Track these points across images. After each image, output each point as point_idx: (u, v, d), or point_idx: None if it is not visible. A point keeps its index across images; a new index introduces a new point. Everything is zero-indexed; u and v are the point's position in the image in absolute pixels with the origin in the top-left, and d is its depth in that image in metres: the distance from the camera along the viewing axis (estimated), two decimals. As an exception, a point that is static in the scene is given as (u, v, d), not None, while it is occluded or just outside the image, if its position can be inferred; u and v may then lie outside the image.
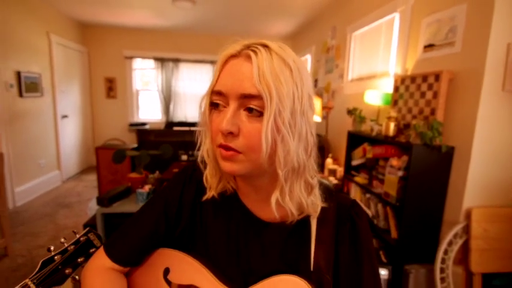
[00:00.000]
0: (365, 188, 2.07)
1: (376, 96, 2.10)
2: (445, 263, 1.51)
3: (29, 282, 0.55)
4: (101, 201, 1.44)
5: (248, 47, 0.45)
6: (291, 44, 5.02)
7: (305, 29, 4.28)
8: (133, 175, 1.75)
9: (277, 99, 0.42)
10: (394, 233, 1.73)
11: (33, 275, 0.57)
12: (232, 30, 4.46)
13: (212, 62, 4.93)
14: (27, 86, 3.12)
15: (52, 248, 0.63)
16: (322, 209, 0.54)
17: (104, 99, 4.87)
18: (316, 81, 3.78)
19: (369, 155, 2.04)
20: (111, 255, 0.57)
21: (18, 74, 3.00)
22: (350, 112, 2.37)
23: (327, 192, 0.57)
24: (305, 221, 0.54)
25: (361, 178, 2.18)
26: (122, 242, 0.58)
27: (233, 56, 0.45)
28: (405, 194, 1.58)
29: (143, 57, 4.87)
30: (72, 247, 0.65)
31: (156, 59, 4.80)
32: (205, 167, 0.55)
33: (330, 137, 3.23)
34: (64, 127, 3.99)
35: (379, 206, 1.91)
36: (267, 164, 0.45)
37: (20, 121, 3.07)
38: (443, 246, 1.50)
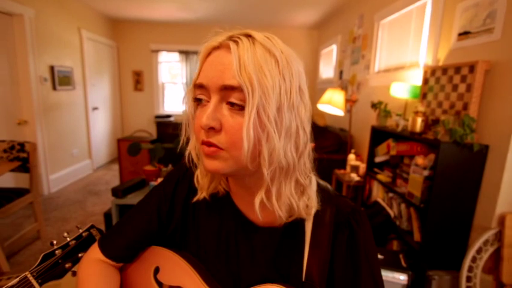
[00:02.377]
0: (388, 187, 1.96)
1: (403, 88, 1.96)
2: (473, 271, 1.39)
3: (29, 275, 0.57)
4: (115, 193, 1.50)
5: (231, 37, 0.42)
6: (316, 34, 4.86)
7: (331, 18, 4.10)
8: (148, 168, 1.78)
9: (260, 92, 0.39)
10: (417, 236, 1.63)
11: (33, 268, 0.59)
12: (256, 21, 4.39)
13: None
14: (60, 79, 3.30)
15: (55, 242, 0.65)
16: (319, 213, 0.50)
17: (131, 92, 5.05)
18: (341, 72, 3.63)
19: (393, 152, 1.93)
20: (104, 250, 0.58)
21: (52, 68, 3.17)
22: (374, 106, 2.25)
23: (326, 194, 0.53)
24: (299, 226, 0.51)
25: (384, 176, 2.07)
26: (115, 239, 0.59)
27: (215, 48, 0.43)
28: (431, 195, 1.47)
29: (169, 51, 4.95)
30: (73, 242, 0.66)
31: (181, 52, 4.86)
32: (196, 167, 0.53)
33: (353, 132, 3.10)
34: (95, 118, 4.19)
35: (402, 206, 1.81)
36: (250, 162, 0.42)
37: (54, 113, 3.27)
38: (471, 253, 1.39)
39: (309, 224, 0.50)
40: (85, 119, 3.94)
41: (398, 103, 2.18)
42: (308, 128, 0.45)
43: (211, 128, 0.41)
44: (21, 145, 2.07)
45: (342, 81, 3.56)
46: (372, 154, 2.25)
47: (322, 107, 2.71)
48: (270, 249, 0.51)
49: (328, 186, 0.56)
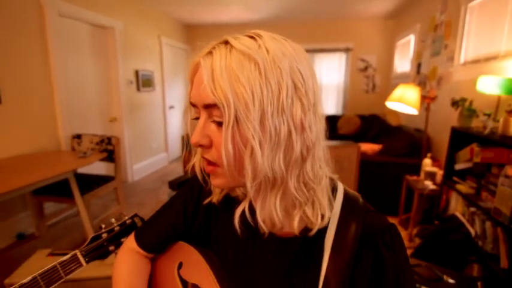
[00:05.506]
0: (470, 200, 1.66)
1: (494, 83, 1.63)
2: None
3: (78, 253, 0.66)
4: (171, 186, 1.64)
5: (213, 48, 0.40)
6: (392, 24, 4.42)
7: (409, 4, 3.67)
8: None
9: (237, 104, 0.36)
10: (504, 262, 1.34)
11: (83, 247, 0.68)
12: (325, 14, 4.21)
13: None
14: (143, 82, 3.76)
15: (103, 226, 0.74)
16: (342, 227, 0.45)
17: (203, 92, 5.43)
18: (419, 65, 3.22)
19: (477, 159, 1.62)
20: (138, 241, 0.63)
21: (137, 72, 3.63)
22: (455, 103, 1.93)
23: (352, 207, 0.47)
24: (317, 243, 0.46)
25: (465, 186, 1.76)
26: (147, 231, 0.64)
27: (199, 63, 0.41)
28: (525, 214, 1.19)
29: (237, 51, 5.16)
30: (118, 228, 0.74)
31: (248, 52, 5.01)
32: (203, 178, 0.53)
33: (430, 133, 2.72)
34: (171, 116, 4.65)
35: (487, 224, 1.51)
36: (239, 176, 0.40)
37: (138, 111, 3.74)
38: None
39: (329, 239, 0.45)
40: (162, 117, 4.41)
41: (488, 100, 1.82)
42: (316, 126, 0.40)
43: (202, 146, 0.41)
44: (109, 139, 2.42)
45: (420, 75, 3.16)
46: (451, 160, 1.94)
47: (391, 104, 2.45)
48: (284, 264, 0.48)
49: (359, 197, 0.49)
